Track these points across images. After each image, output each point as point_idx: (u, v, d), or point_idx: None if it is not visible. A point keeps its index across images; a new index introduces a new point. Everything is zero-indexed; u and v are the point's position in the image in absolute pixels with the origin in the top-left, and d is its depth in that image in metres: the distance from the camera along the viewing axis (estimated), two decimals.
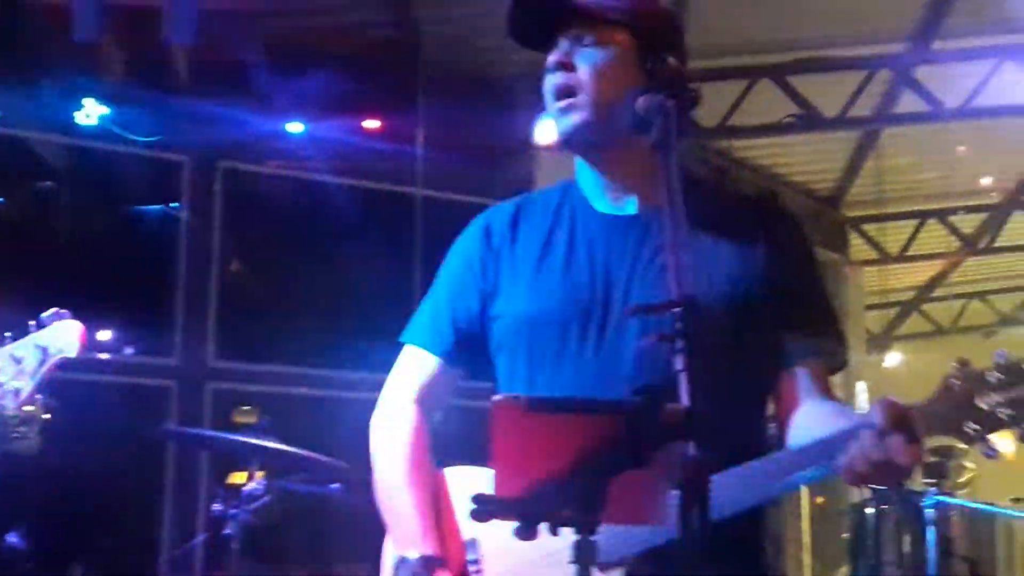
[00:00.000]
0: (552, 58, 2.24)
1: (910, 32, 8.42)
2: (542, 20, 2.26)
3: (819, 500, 10.14)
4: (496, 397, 1.63)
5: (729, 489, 1.96)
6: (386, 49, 7.50)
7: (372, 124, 7.63)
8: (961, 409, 1.84)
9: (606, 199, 2.33)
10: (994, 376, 1.83)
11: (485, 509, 1.64)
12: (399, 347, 2.47)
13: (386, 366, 2.48)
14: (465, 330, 2.38)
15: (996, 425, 1.82)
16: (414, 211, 7.71)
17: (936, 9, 7.95)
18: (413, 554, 2.21)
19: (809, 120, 8.94)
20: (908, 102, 9.01)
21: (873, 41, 8.57)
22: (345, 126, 7.53)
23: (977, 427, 1.83)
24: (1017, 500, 10.37)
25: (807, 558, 9.27)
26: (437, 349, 2.41)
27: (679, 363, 1.66)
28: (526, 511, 1.61)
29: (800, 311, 2.26)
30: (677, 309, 1.69)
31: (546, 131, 7.12)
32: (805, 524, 8.93)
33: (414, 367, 2.43)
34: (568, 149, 2.33)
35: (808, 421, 2.11)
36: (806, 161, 10.80)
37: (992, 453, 1.83)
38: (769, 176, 10.83)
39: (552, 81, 2.24)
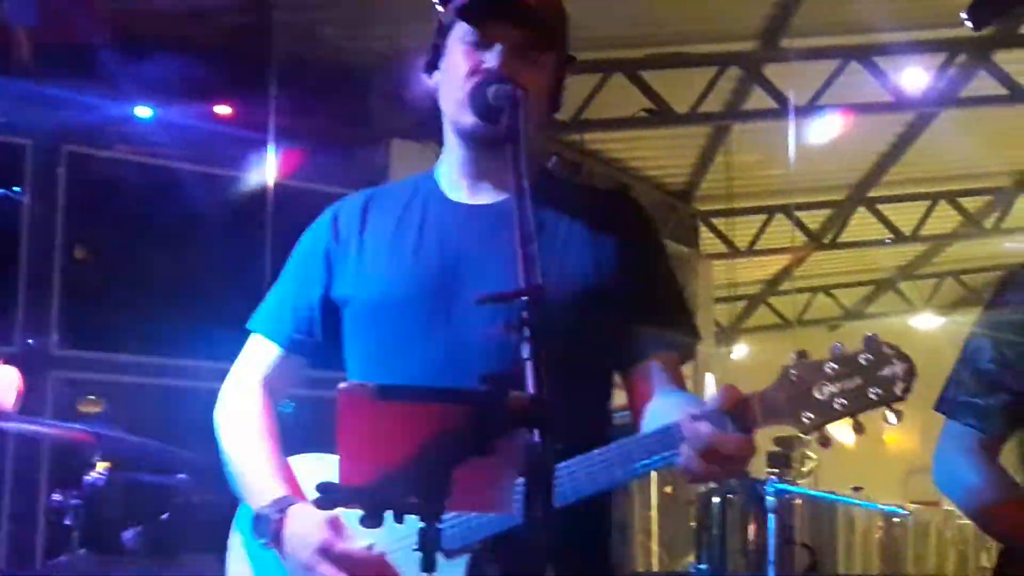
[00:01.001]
0: (493, 61, 2.16)
1: (759, 31, 8.59)
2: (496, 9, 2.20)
3: (667, 490, 10.31)
4: (342, 385, 1.62)
5: (573, 477, 1.98)
6: (238, 35, 7.39)
7: (223, 110, 7.51)
8: (798, 399, 1.86)
9: (463, 189, 2.33)
10: (830, 367, 1.86)
11: (330, 497, 1.63)
12: (247, 336, 2.47)
13: (234, 356, 2.48)
14: (308, 319, 2.38)
15: (832, 415, 1.85)
16: (264, 199, 7.61)
17: (784, 9, 8.13)
18: (266, 502, 2.19)
19: (661, 115, 9.08)
20: (757, 99, 9.21)
21: (724, 39, 8.73)
22: (195, 112, 7.39)
23: (813, 417, 1.86)
24: (857, 489, 10.69)
25: (655, 547, 9.40)
26: (279, 338, 2.41)
27: (525, 352, 1.67)
28: (371, 499, 1.61)
29: (653, 303, 2.29)
30: (524, 298, 1.70)
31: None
32: (654, 513, 9.05)
33: (258, 354, 2.44)
34: (468, 143, 2.27)
35: (659, 411, 2.13)
36: (658, 155, 10.96)
37: (825, 442, 1.88)
38: (622, 169, 10.97)
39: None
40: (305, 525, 2.13)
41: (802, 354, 1.89)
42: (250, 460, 2.32)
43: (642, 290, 2.27)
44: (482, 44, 2.19)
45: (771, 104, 9.03)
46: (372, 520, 1.61)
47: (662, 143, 10.54)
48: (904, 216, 12.62)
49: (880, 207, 12.40)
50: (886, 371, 1.83)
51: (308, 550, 2.11)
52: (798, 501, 8.50)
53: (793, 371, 1.88)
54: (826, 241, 13.07)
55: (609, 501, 2.32)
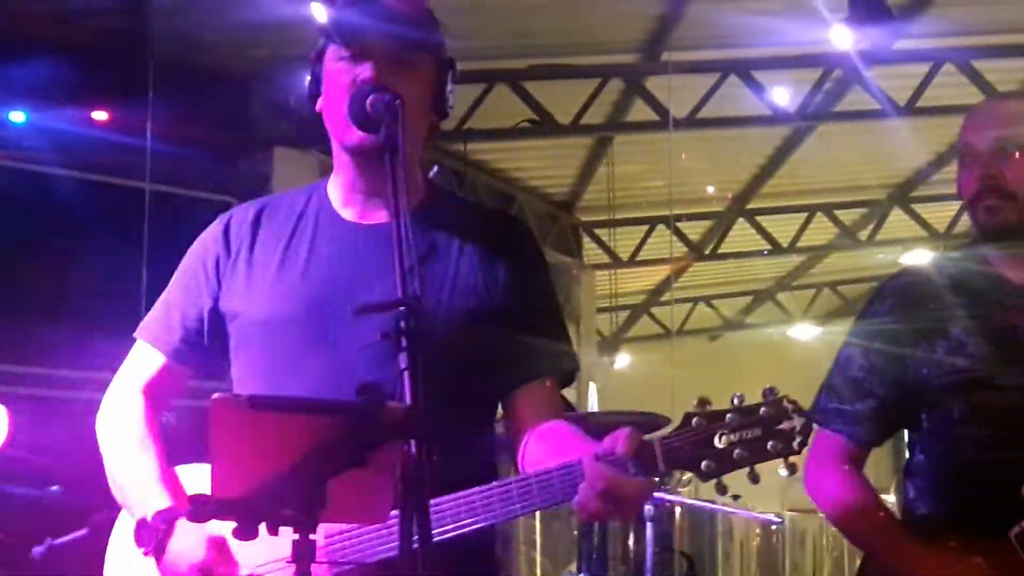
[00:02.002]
0: (367, 74, 2.17)
1: (641, 44, 8.69)
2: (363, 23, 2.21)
3: None
4: (215, 396, 1.60)
5: (471, 507, 2.00)
6: (115, 39, 7.25)
7: (100, 115, 7.37)
8: (699, 447, 1.90)
9: (354, 207, 2.33)
10: (731, 417, 1.90)
11: (202, 509, 1.62)
12: (125, 345, 2.46)
13: (111, 365, 2.47)
14: (194, 329, 2.37)
15: (731, 465, 1.90)
16: (142, 206, 7.48)
17: (665, 23, 8.23)
18: (150, 512, 2.18)
19: (544, 126, 9.13)
20: (639, 111, 9.30)
21: (606, 51, 8.81)
22: (71, 116, 7.23)
23: (713, 465, 1.90)
24: (736, 497, 10.83)
25: (539, 557, 9.44)
26: (165, 347, 2.40)
27: (402, 362, 1.67)
28: (245, 511, 1.59)
29: (536, 329, 2.31)
30: (401, 308, 1.70)
31: None
32: (538, 524, 9.10)
33: (142, 363, 2.42)
34: (354, 157, 2.27)
35: (546, 445, 2.16)
36: (542, 166, 11.01)
37: (722, 490, 1.92)
38: (505, 180, 11.00)
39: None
40: (189, 542, 2.12)
41: (704, 401, 1.93)
42: (133, 469, 2.29)
43: (527, 315, 2.29)
44: (355, 59, 2.20)
45: (652, 116, 9.12)
46: (245, 532, 1.59)
47: (545, 154, 10.59)
48: (782, 228, 12.84)
49: (759, 219, 12.60)
50: (784, 425, 1.88)
51: (188, 567, 2.11)
52: (679, 510, 8.59)
53: (695, 419, 1.91)
54: (706, 252, 13.24)
55: None
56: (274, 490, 1.56)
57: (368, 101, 2.08)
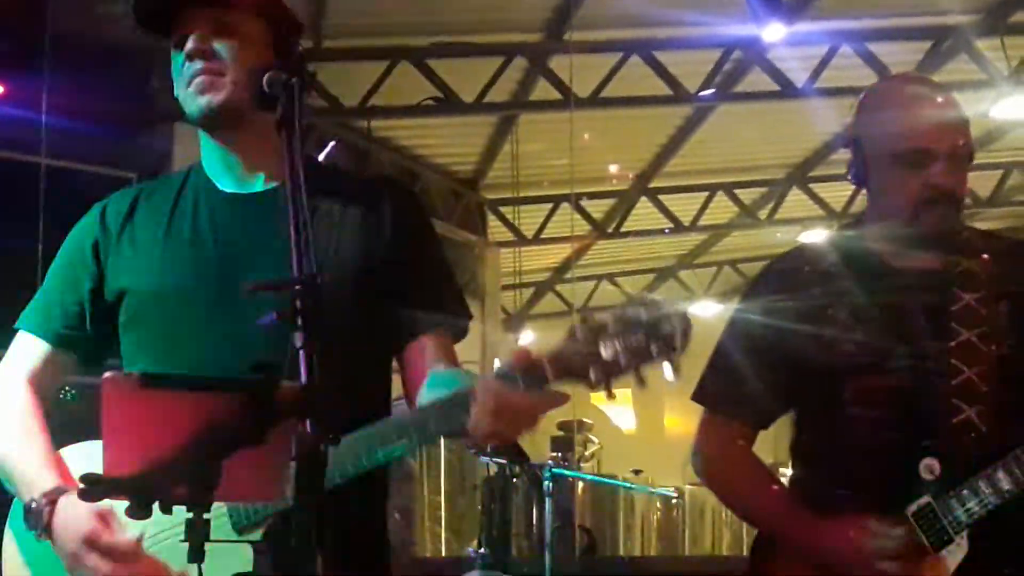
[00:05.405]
0: (191, 45, 2.22)
1: (544, 23, 8.72)
2: (173, 3, 2.25)
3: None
4: (106, 374, 1.59)
5: (384, 432, 2.02)
6: (8, 9, 7.10)
7: None
8: (586, 356, 1.91)
9: (233, 177, 2.34)
10: (613, 326, 1.91)
11: (94, 489, 1.61)
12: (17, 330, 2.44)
13: (3, 344, 2.43)
14: (75, 313, 2.36)
15: (617, 370, 1.90)
16: (38, 180, 7.34)
17: (569, 2, 8.26)
18: (36, 494, 2.17)
19: (448, 103, 9.12)
20: (543, 90, 9.33)
21: (510, 29, 8.83)
22: None
23: (600, 373, 1.91)
24: (637, 472, 10.98)
25: (443, 532, 9.48)
26: (46, 334, 2.38)
27: (298, 340, 1.67)
28: (137, 490, 1.59)
29: (423, 285, 2.33)
30: (297, 287, 1.70)
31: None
32: (443, 501, 9.14)
33: (25, 352, 2.40)
34: (202, 128, 2.33)
35: (437, 384, 2.17)
36: (446, 143, 11.01)
37: (611, 396, 1.93)
38: (410, 157, 10.98)
39: (193, 68, 2.23)
40: (73, 516, 2.11)
41: (587, 315, 1.95)
42: (18, 454, 2.28)
43: (412, 272, 2.31)
44: (179, 38, 2.25)
45: (556, 95, 9.16)
46: (139, 511, 1.59)
47: (450, 131, 10.59)
48: (684, 206, 12.96)
49: (661, 197, 12.71)
50: (665, 327, 1.89)
51: (75, 541, 2.10)
52: (580, 485, 8.67)
53: (579, 331, 1.93)
54: (610, 230, 13.33)
55: (386, 486, 2.36)
56: (167, 469, 1.56)
57: (265, 79, 2.06)
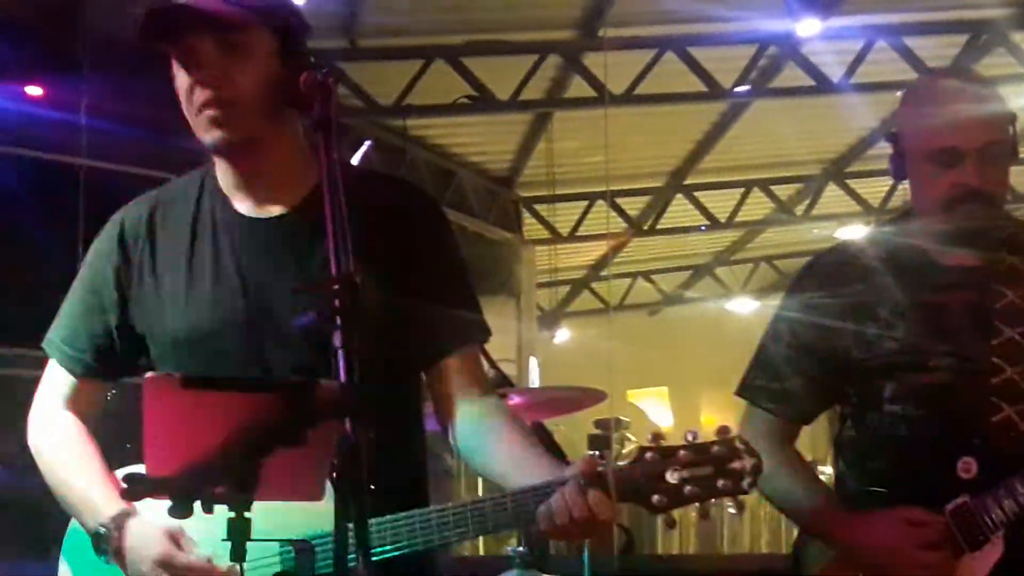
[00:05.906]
0: (198, 73, 2.15)
1: (578, 20, 8.70)
2: (175, 28, 2.17)
3: None
4: (148, 375, 1.61)
5: (409, 532, 2.03)
6: (47, 13, 7.15)
7: (34, 91, 7.28)
8: (652, 481, 1.93)
9: (249, 200, 2.28)
10: (683, 453, 1.93)
11: (136, 488, 1.62)
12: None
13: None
14: (105, 345, 2.34)
15: (681, 500, 1.93)
16: (77, 182, 7.39)
17: None
18: (104, 519, 2.17)
19: (483, 102, 9.12)
20: (577, 87, 9.32)
21: (543, 27, 8.81)
22: (5, 92, 7.15)
23: (664, 500, 1.93)
24: None
25: None
26: (75, 369, 2.37)
27: (337, 340, 1.67)
28: (179, 490, 1.60)
29: (447, 296, 2.29)
30: (336, 287, 1.70)
31: None
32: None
33: (59, 379, 2.39)
34: (216, 156, 2.27)
35: (492, 447, 2.18)
36: (481, 142, 11.01)
37: (672, 524, 1.96)
38: (444, 155, 10.99)
39: (203, 97, 2.15)
40: (143, 538, 2.12)
41: (658, 436, 1.96)
42: (77, 481, 2.28)
43: (437, 284, 2.28)
44: (182, 60, 2.18)
45: (590, 92, 9.15)
46: (180, 510, 1.61)
47: (484, 129, 10.60)
48: (719, 203, 12.91)
49: (696, 194, 12.67)
50: (735, 464, 1.91)
51: (148, 563, 2.10)
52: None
53: (649, 453, 1.94)
54: (645, 227, 13.30)
55: (426, 485, 2.34)
56: (207, 468, 1.57)
57: (301, 79, 2.04)
